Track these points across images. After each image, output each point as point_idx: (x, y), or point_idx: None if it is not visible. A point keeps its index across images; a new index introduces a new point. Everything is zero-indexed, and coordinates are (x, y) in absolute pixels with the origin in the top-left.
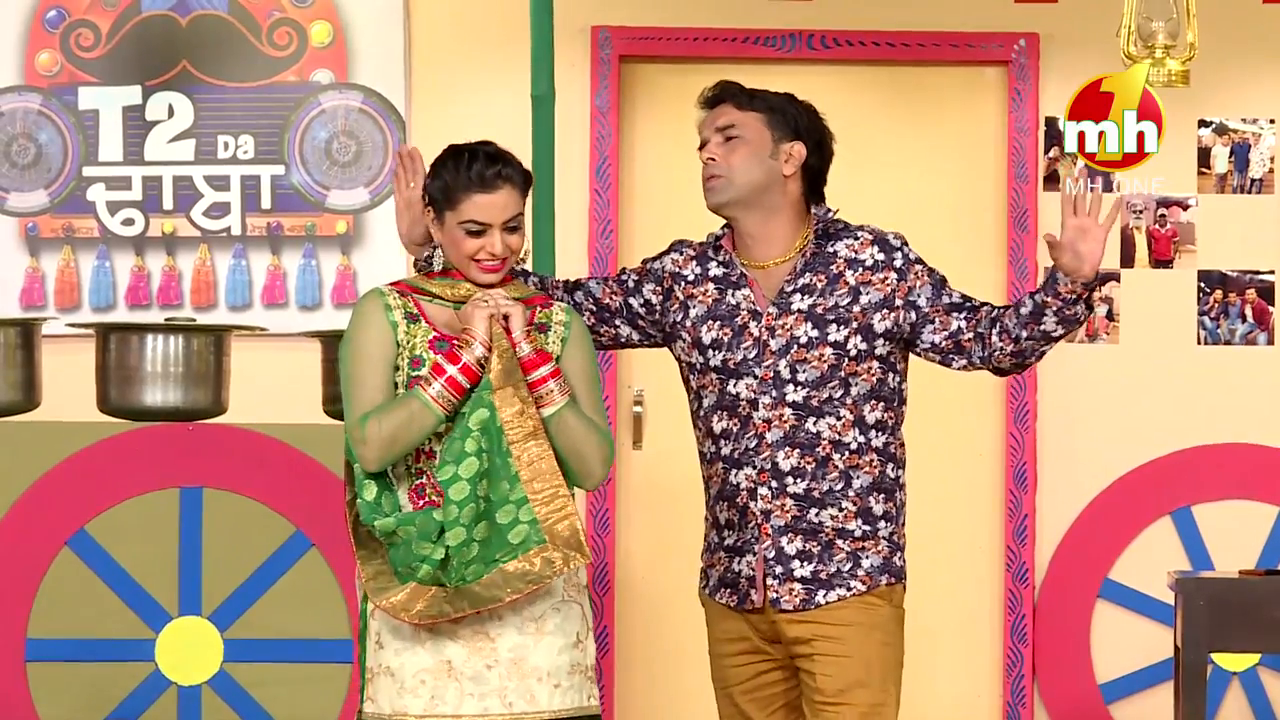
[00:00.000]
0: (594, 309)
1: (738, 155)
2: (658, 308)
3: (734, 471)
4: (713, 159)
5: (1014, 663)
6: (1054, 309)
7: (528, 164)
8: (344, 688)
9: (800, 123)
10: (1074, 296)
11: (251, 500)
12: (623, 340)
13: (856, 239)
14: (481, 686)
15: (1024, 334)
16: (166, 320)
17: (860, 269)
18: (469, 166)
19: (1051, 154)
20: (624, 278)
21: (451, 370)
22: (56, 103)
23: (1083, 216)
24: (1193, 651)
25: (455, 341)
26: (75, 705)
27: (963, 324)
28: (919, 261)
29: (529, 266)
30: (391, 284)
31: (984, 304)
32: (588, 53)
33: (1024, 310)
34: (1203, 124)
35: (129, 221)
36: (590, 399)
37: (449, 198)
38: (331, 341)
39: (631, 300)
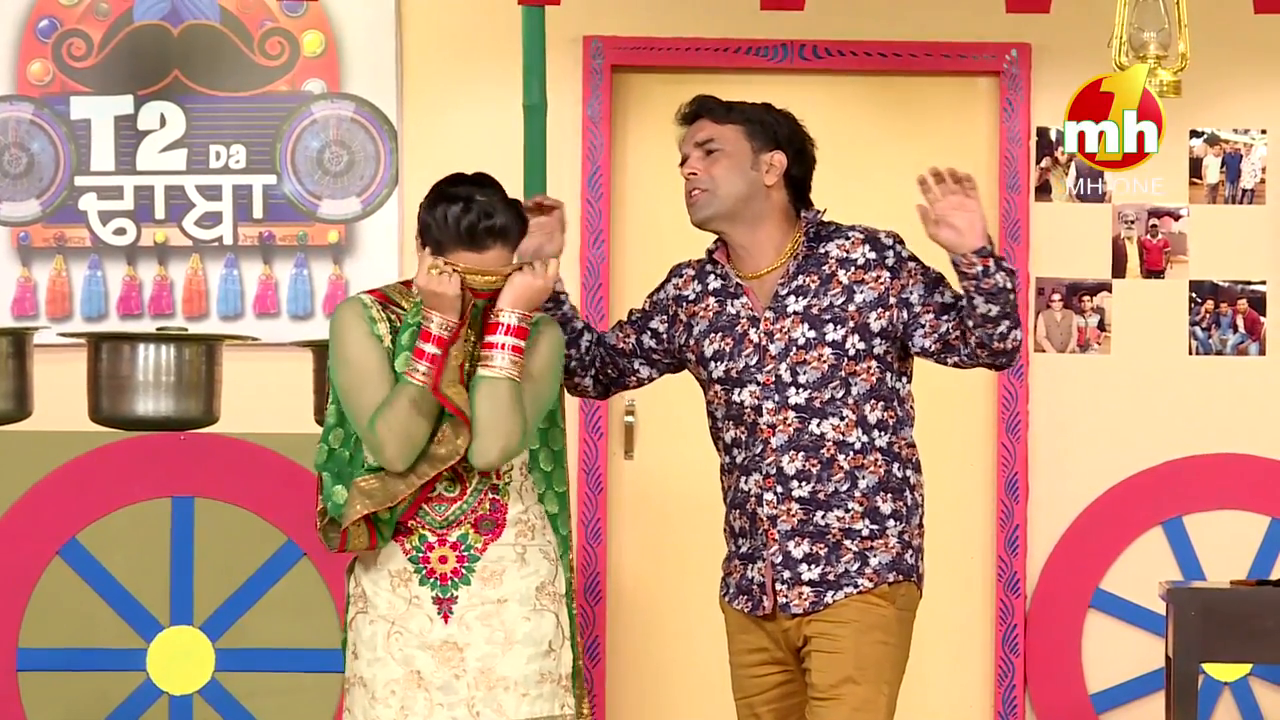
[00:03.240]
0: (611, 359)
1: (718, 168)
2: (665, 335)
3: (744, 479)
4: (694, 173)
5: (1005, 672)
6: (973, 288)
7: (520, 174)
8: (335, 697)
9: (779, 132)
10: (979, 268)
11: (243, 510)
12: (643, 379)
13: (847, 239)
14: (450, 696)
15: (971, 324)
16: (158, 330)
17: (852, 268)
18: (460, 219)
19: (1043, 164)
20: (632, 317)
21: (431, 349)
22: (48, 112)
23: (949, 195)
24: (1184, 662)
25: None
26: (67, 715)
27: (950, 325)
28: (912, 259)
29: None
30: (369, 291)
31: None
32: (580, 62)
33: (962, 306)
34: (1194, 134)
35: (121, 231)
36: (529, 395)
37: (437, 245)
38: (323, 351)
39: (643, 337)
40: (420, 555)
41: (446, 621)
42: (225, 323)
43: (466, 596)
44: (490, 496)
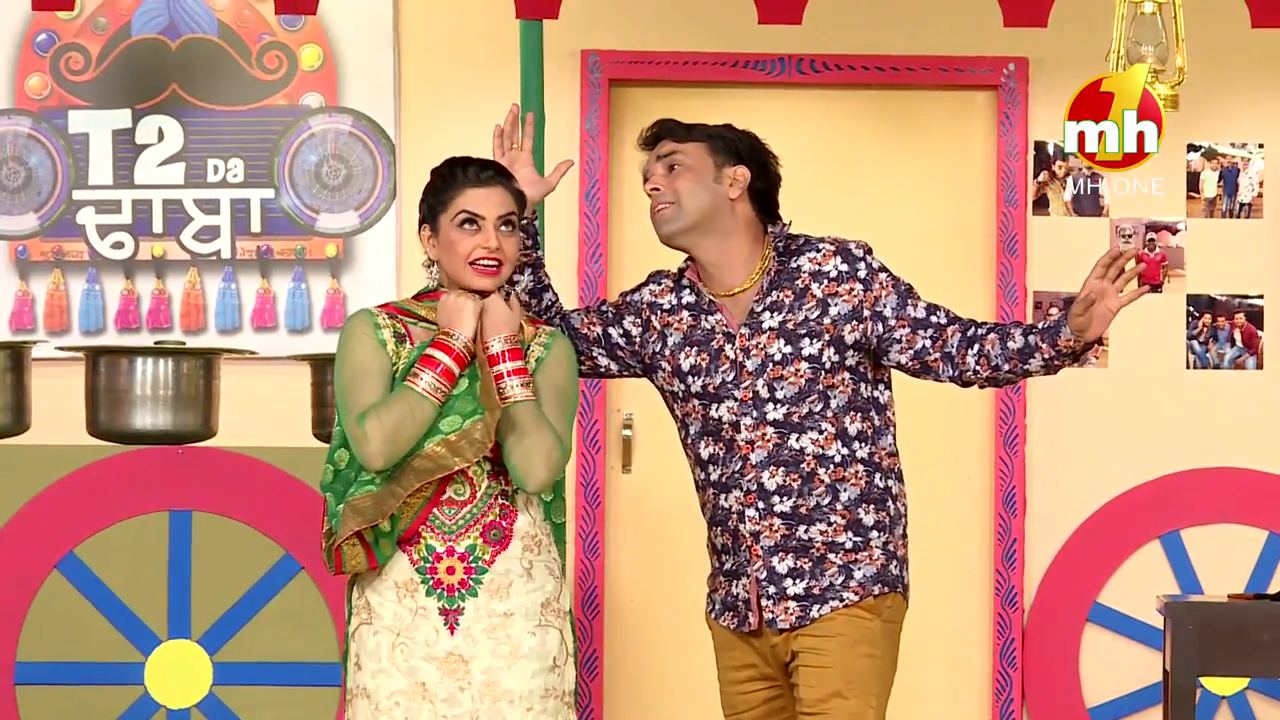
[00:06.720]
0: (570, 339)
1: (682, 182)
2: (637, 339)
3: (723, 495)
4: (657, 189)
5: (1003, 686)
6: (1045, 356)
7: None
8: (332, 711)
9: (741, 148)
10: (1070, 351)
11: (241, 523)
12: (601, 370)
13: (819, 251)
14: (454, 709)
15: (1005, 366)
16: (156, 343)
17: (825, 281)
18: (463, 168)
19: (1041, 178)
20: (604, 309)
21: (445, 360)
22: (46, 126)
23: (1110, 280)
24: (1182, 675)
25: (442, 333)
26: None
27: (928, 343)
28: (883, 270)
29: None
30: (379, 305)
31: (951, 321)
32: (577, 76)
33: (1012, 345)
34: (1192, 148)
35: (119, 245)
36: (555, 413)
37: (442, 199)
38: (321, 365)
39: (611, 330)
40: (428, 566)
41: (452, 633)
42: (223, 336)
43: (473, 608)
44: (500, 503)
